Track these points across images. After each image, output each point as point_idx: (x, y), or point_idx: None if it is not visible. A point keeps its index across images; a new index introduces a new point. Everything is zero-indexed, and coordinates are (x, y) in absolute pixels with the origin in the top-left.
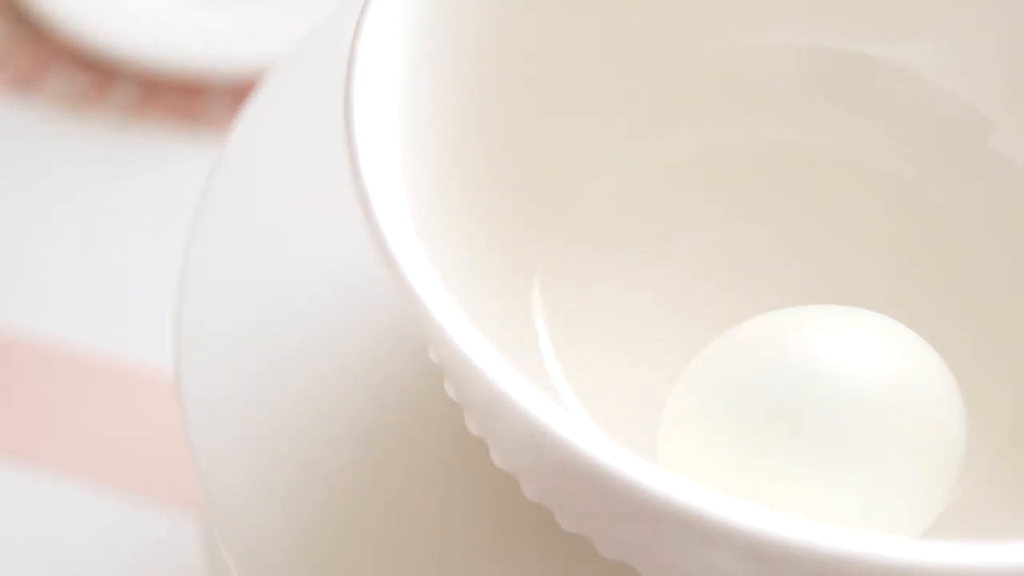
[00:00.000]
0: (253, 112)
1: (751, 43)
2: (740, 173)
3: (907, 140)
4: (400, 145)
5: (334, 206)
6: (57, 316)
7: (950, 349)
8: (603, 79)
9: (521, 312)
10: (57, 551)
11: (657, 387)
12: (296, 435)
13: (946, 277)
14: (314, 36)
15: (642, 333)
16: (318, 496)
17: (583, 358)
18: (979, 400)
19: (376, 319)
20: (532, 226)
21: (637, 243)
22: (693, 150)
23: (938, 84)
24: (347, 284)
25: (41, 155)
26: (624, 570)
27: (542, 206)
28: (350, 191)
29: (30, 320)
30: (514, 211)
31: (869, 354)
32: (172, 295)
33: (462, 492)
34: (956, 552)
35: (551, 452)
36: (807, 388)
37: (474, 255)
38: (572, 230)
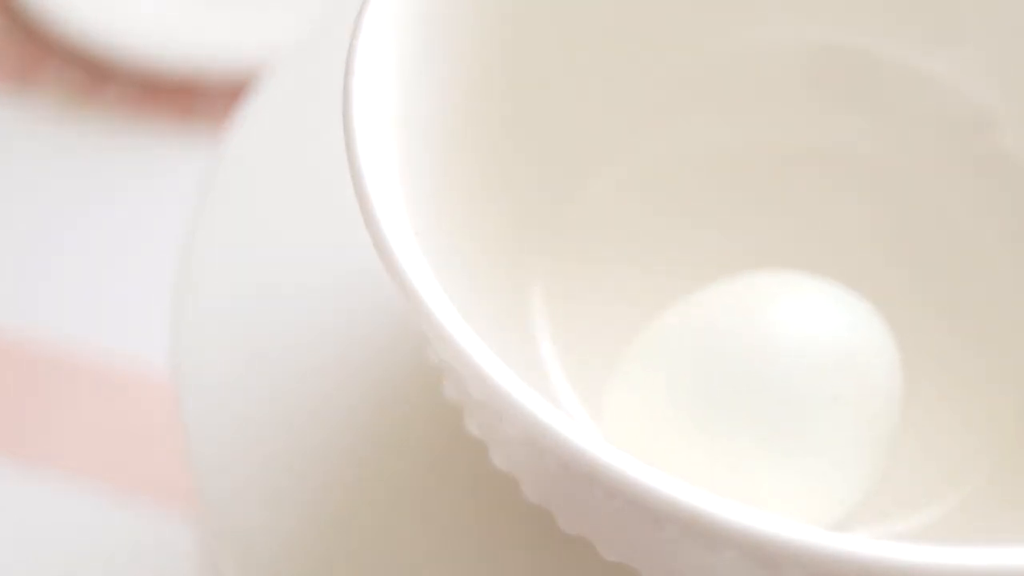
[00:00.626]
0: (250, 111)
1: (750, 41)
2: (740, 173)
3: (908, 138)
4: (399, 145)
5: (332, 205)
6: (53, 315)
7: (952, 350)
8: (603, 78)
9: (521, 312)
10: (52, 550)
11: None
12: (293, 436)
13: (948, 277)
14: (312, 35)
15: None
16: (315, 497)
17: (583, 359)
18: (981, 401)
19: (375, 320)
20: (533, 226)
21: (637, 244)
22: (693, 151)
23: (939, 81)
24: (345, 285)
25: (36, 153)
26: (625, 572)
27: (543, 206)
28: (348, 191)
29: (25, 319)
30: (514, 211)
31: (809, 320)
32: (169, 294)
33: (462, 493)
34: (958, 555)
35: (552, 453)
36: (747, 360)
37: (474, 255)
38: (573, 230)
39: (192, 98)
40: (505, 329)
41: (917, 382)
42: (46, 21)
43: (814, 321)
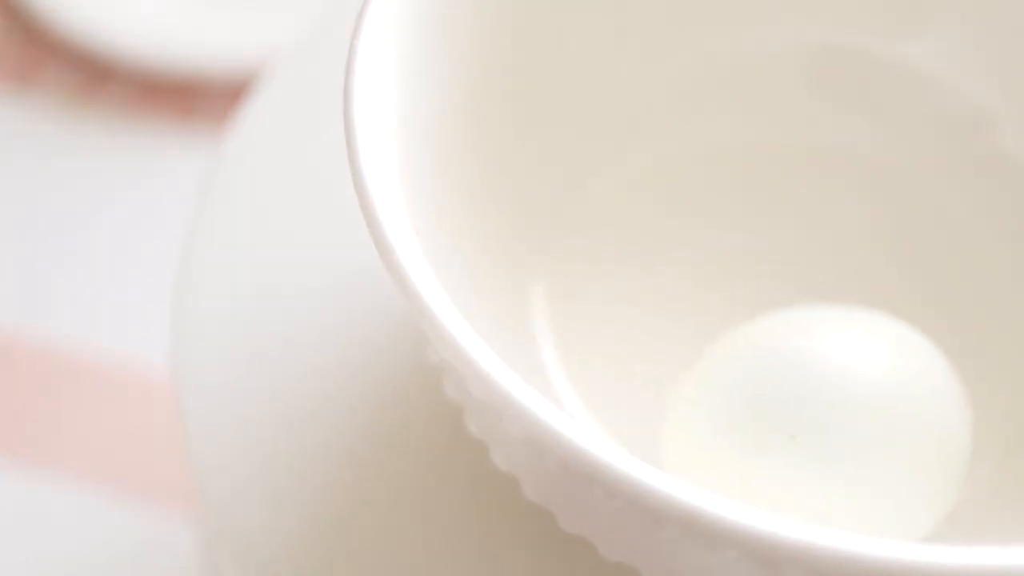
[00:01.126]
0: (250, 111)
1: (750, 41)
2: (740, 173)
3: (908, 138)
4: (400, 145)
5: (332, 205)
6: (52, 315)
7: (952, 350)
8: (604, 79)
9: (522, 312)
10: (51, 550)
11: (660, 390)
12: (293, 436)
13: (948, 277)
14: (312, 35)
15: (644, 335)
16: (315, 497)
17: (584, 359)
18: (981, 402)
19: (375, 320)
20: (534, 226)
21: (638, 244)
22: (693, 151)
23: (939, 81)
24: (345, 284)
25: (35, 153)
26: (626, 572)
27: (544, 206)
28: (349, 190)
29: (24, 319)
30: (515, 211)
31: (870, 354)
32: (169, 294)
33: (462, 493)
34: (959, 555)
35: (552, 453)
36: (807, 389)
37: (475, 255)
38: (574, 230)
39: (192, 98)
40: (505, 329)
41: None
42: (46, 21)
43: (882, 362)
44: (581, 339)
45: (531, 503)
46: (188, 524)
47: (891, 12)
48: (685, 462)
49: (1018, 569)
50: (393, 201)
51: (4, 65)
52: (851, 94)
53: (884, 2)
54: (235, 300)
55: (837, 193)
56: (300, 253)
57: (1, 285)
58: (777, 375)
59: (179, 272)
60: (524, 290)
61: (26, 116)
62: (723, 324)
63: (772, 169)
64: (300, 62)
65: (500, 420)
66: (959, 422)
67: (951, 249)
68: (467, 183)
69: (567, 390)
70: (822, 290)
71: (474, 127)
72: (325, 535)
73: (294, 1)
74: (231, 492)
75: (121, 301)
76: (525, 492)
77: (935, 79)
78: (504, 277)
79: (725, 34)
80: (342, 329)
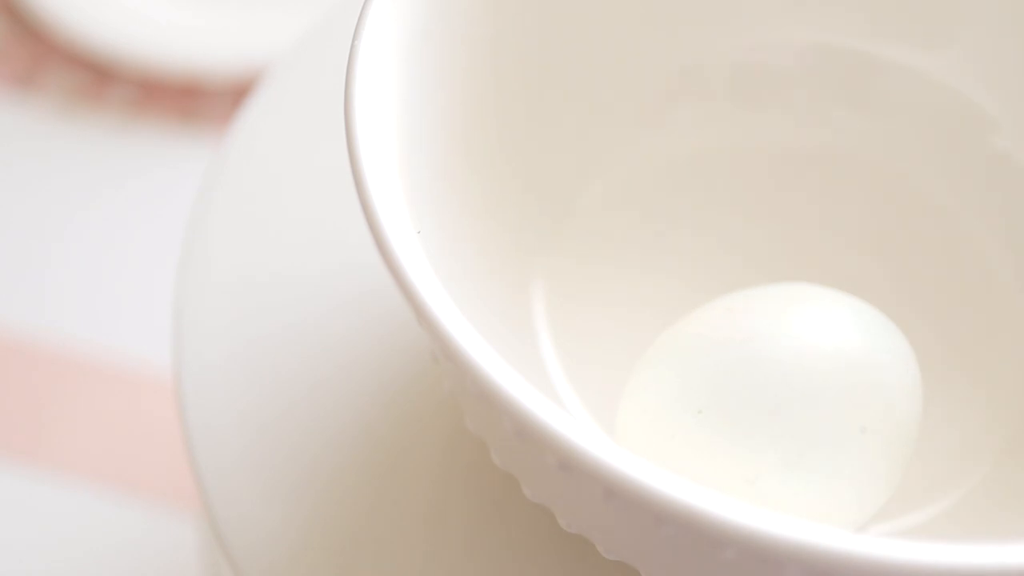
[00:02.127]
0: (251, 112)
1: (753, 42)
2: (740, 172)
3: (909, 138)
4: (400, 147)
5: (332, 206)
6: (55, 315)
7: (952, 350)
8: (603, 78)
9: (520, 311)
10: (55, 550)
11: None
12: (295, 435)
13: (948, 276)
14: (312, 36)
15: (644, 334)
16: (317, 496)
17: (584, 358)
18: (980, 399)
19: (375, 318)
20: (532, 226)
21: (637, 243)
22: (693, 149)
23: (940, 82)
24: (346, 284)
25: (38, 154)
26: (625, 570)
27: (542, 206)
28: (349, 192)
29: (28, 319)
30: (514, 211)
31: (821, 332)
32: (170, 294)
33: (462, 492)
34: (957, 553)
35: (551, 451)
36: (766, 375)
37: (475, 256)
38: (572, 230)
39: (194, 100)
40: (504, 326)
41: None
42: (49, 23)
43: (839, 337)
44: (579, 337)
45: (532, 502)
46: (191, 524)
47: (891, 13)
48: (641, 442)
49: (1015, 567)
50: (393, 202)
51: (7, 67)
52: (853, 92)
53: (884, 3)
54: (236, 299)
55: (837, 193)
56: (301, 253)
57: (2, 285)
58: (727, 354)
59: (180, 272)
60: (523, 289)
61: (29, 117)
62: None
63: (771, 169)
64: (300, 64)
65: (498, 418)
66: (909, 400)
67: (953, 248)
68: (467, 184)
69: (565, 387)
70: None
71: (474, 129)
72: (325, 535)
73: (294, 4)
74: (233, 493)
75: (123, 300)
76: (525, 492)
77: (935, 79)
78: (503, 276)
79: (727, 33)
80: (343, 328)
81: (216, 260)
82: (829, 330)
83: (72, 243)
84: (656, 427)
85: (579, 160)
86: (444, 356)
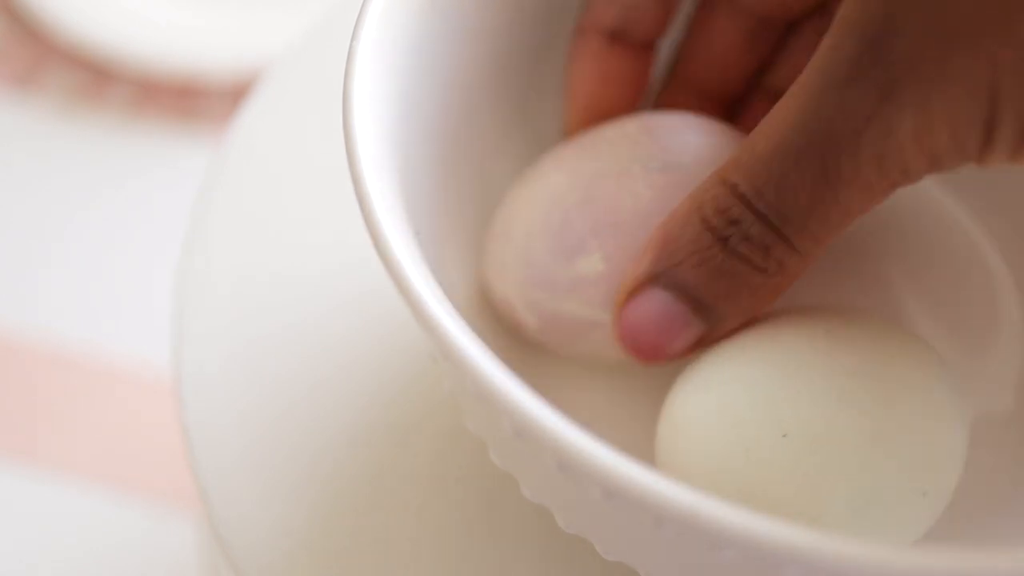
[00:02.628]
0: (250, 112)
1: None
2: None
3: None
4: (398, 147)
5: (331, 206)
6: (54, 315)
7: (949, 349)
8: None
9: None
10: (56, 551)
11: (661, 391)
12: (295, 435)
13: (948, 274)
14: (310, 37)
15: None
16: (317, 496)
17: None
18: (979, 398)
19: (375, 318)
20: None
21: None
22: None
23: None
24: (346, 285)
25: (38, 154)
26: (624, 571)
27: None
28: (347, 191)
29: (28, 320)
30: None
31: (863, 355)
32: (170, 294)
33: (461, 492)
34: (955, 557)
35: (549, 452)
36: (800, 390)
37: (475, 254)
38: None
39: (193, 100)
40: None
41: None
42: (48, 23)
43: (923, 387)
44: None
45: (530, 502)
46: (191, 523)
47: None
48: (681, 464)
49: (1016, 572)
50: (392, 203)
51: (7, 67)
52: None
53: None
54: (235, 300)
55: None
56: (300, 253)
57: (2, 286)
58: (768, 376)
59: (179, 272)
60: None
61: (30, 117)
62: None
63: None
64: (298, 64)
65: (497, 418)
66: (953, 425)
67: (954, 245)
68: (466, 183)
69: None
70: (824, 289)
71: (472, 128)
72: (325, 534)
73: (292, 5)
74: (233, 492)
75: (124, 301)
76: (524, 491)
77: None
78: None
79: None
80: (342, 329)
81: (215, 260)
82: (865, 353)
83: (72, 243)
84: (729, 438)
85: None
86: (443, 357)
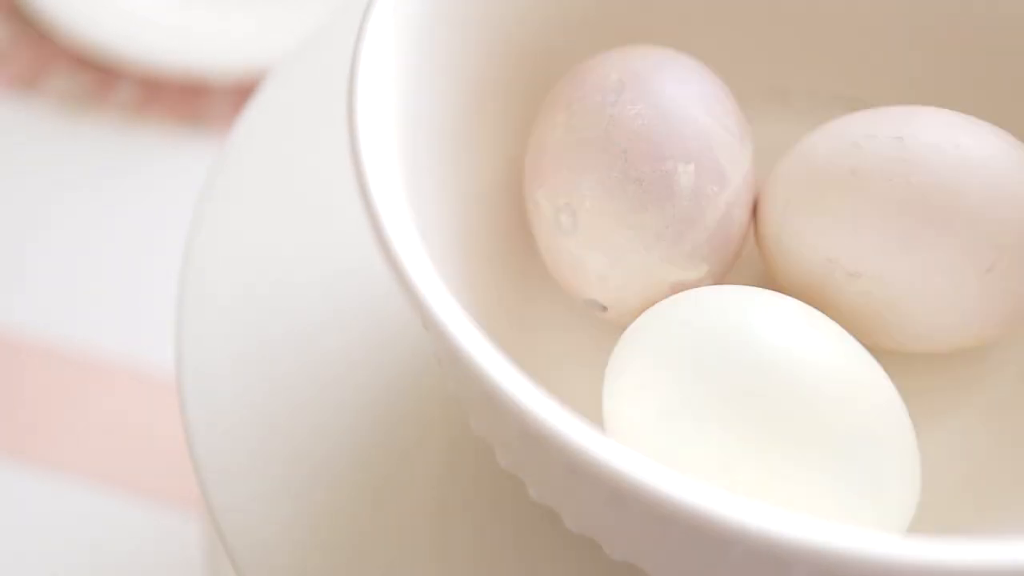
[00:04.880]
0: (254, 112)
1: None
2: None
3: None
4: (402, 148)
5: (335, 207)
6: (57, 315)
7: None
8: None
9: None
10: (57, 550)
11: None
12: (298, 437)
13: None
14: (314, 38)
15: None
16: (320, 499)
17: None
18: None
19: (379, 321)
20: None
21: None
22: None
23: None
24: (351, 287)
25: (42, 155)
26: (631, 570)
27: None
28: (350, 191)
29: (30, 319)
30: (515, 211)
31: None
32: (173, 294)
33: (466, 493)
34: (964, 551)
35: (559, 457)
36: (756, 373)
37: (475, 255)
38: None
39: (196, 100)
40: (508, 328)
41: None
42: (53, 24)
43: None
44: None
45: (535, 503)
46: (193, 523)
47: None
48: (632, 432)
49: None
50: (397, 205)
51: (11, 69)
52: None
53: None
54: (238, 301)
55: None
56: (303, 254)
57: (4, 285)
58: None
59: (182, 272)
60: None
61: (33, 117)
62: None
63: None
64: (302, 65)
65: (504, 421)
66: (903, 422)
67: None
68: (468, 183)
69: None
70: None
71: (476, 128)
72: (327, 533)
73: (296, 5)
74: (235, 492)
75: (126, 301)
76: (530, 492)
77: None
78: (506, 277)
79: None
80: (346, 331)
81: (219, 260)
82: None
83: (74, 243)
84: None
85: None
86: (450, 360)
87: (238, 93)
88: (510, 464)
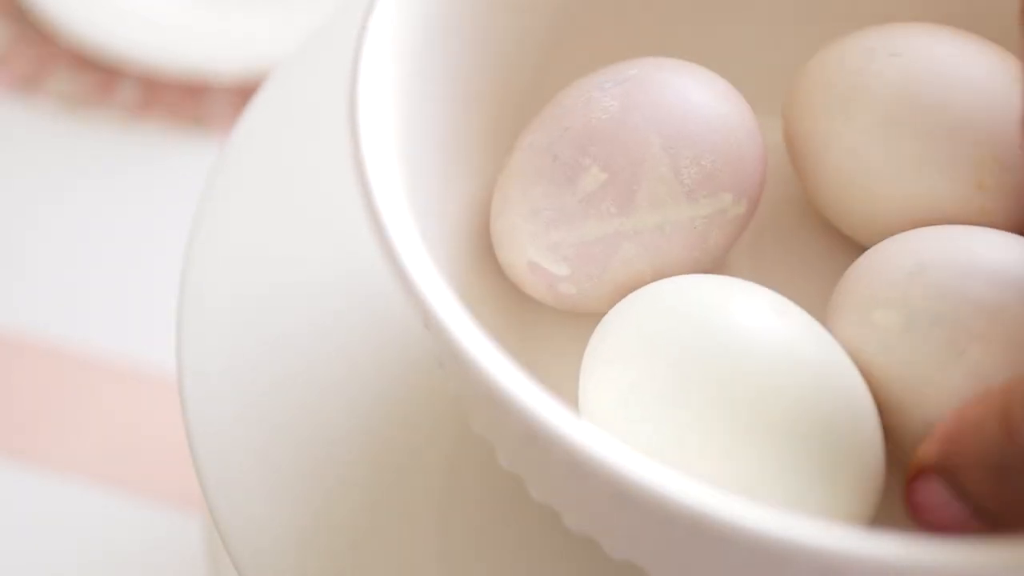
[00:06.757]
0: (255, 113)
1: None
2: None
3: None
4: (404, 149)
5: (337, 208)
6: (58, 315)
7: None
8: None
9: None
10: (57, 550)
11: None
12: (297, 435)
13: None
14: (314, 38)
15: None
16: (322, 499)
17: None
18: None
19: (380, 321)
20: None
21: None
22: None
23: None
24: (352, 287)
25: (44, 155)
26: (632, 569)
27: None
28: (351, 192)
29: (30, 319)
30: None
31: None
32: (174, 294)
33: (467, 493)
34: (963, 551)
35: (561, 457)
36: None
37: (476, 255)
38: None
39: (197, 101)
40: (510, 329)
41: None
42: (54, 24)
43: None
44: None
45: (536, 503)
46: (193, 523)
47: None
48: (602, 413)
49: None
50: (398, 205)
51: (14, 69)
52: None
53: None
54: (238, 302)
55: None
56: (306, 255)
57: (5, 285)
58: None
59: (183, 272)
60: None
61: (34, 118)
62: None
63: None
64: (304, 66)
65: (506, 421)
66: (865, 408)
67: None
68: (469, 184)
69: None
70: None
71: (476, 130)
72: (328, 533)
73: (297, 5)
74: (235, 492)
75: (127, 301)
76: (531, 492)
77: None
78: (506, 276)
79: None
80: (347, 331)
81: (218, 260)
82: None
83: (76, 243)
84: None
85: None
86: (451, 359)
87: (238, 93)
88: (510, 464)
